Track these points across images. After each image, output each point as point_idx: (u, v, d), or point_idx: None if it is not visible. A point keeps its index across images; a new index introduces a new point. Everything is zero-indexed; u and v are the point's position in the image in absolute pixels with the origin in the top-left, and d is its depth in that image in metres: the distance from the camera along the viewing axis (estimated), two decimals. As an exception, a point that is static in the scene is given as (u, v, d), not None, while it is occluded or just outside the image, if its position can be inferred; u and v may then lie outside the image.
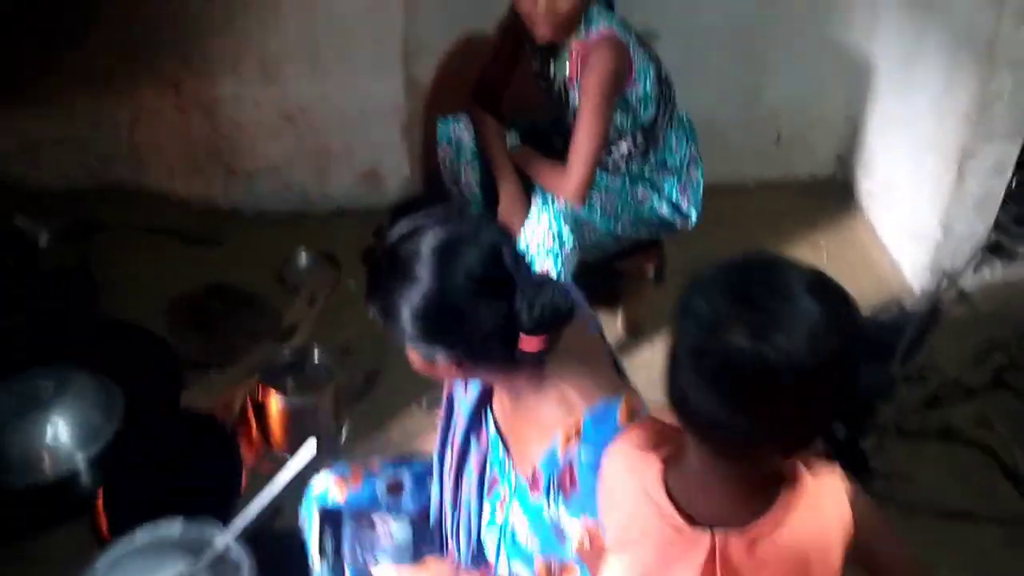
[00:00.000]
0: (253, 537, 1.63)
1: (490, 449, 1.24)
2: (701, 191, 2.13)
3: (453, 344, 1.08)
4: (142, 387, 2.02)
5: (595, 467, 1.04)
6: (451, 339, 1.08)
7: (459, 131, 2.12)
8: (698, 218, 2.13)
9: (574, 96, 1.96)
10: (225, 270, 2.42)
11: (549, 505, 1.09)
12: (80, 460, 1.86)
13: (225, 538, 1.60)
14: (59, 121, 2.46)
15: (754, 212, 2.69)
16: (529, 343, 1.07)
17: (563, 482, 1.08)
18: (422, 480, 1.45)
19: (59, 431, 1.84)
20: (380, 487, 1.43)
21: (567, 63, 1.96)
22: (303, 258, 2.47)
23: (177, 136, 2.48)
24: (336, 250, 2.49)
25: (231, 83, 2.40)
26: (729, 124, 2.59)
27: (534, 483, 1.12)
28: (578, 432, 1.08)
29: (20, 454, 1.81)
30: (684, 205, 2.10)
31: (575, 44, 1.92)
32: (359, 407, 2.08)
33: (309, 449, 1.86)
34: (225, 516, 1.70)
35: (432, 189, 2.47)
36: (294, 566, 1.54)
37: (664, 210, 2.09)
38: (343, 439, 2.03)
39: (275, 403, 1.91)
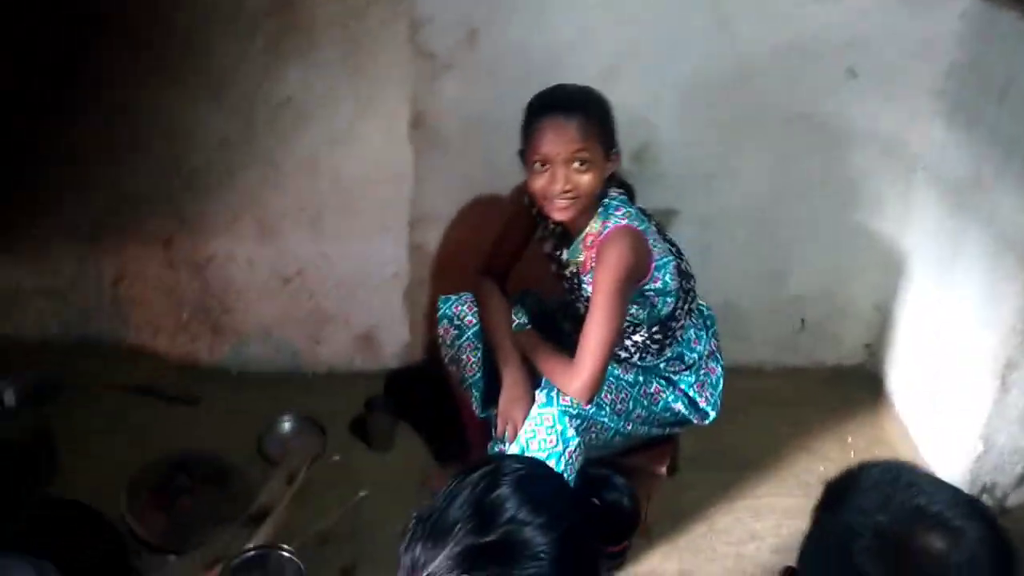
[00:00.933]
0: None
1: None
2: (720, 387, 1.96)
3: None
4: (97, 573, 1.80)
5: None
6: None
7: (462, 309, 1.98)
8: (716, 415, 1.95)
9: (587, 284, 1.82)
10: (201, 435, 2.24)
11: None
12: None
13: None
14: (38, 271, 2.34)
15: (776, 399, 2.51)
16: None
17: None
18: None
19: None
20: None
21: (581, 250, 1.82)
22: (286, 425, 2.29)
23: (163, 293, 2.35)
24: (323, 417, 2.31)
25: (226, 241, 2.29)
26: (751, 307, 2.46)
27: None
28: None
29: None
30: (701, 402, 1.92)
31: (591, 233, 1.79)
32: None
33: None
34: None
35: (432, 359, 2.31)
36: None
37: (680, 407, 1.91)
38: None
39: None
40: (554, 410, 1.77)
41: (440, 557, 0.92)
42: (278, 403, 2.32)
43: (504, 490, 0.95)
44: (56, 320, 2.39)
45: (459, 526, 0.93)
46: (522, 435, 1.79)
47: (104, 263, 2.33)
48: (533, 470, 1.01)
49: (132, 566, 1.85)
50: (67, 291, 2.36)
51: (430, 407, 2.28)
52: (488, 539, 0.92)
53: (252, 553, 1.80)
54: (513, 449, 1.79)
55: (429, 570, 0.92)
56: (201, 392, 2.35)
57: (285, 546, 1.83)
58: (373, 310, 2.41)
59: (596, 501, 1.87)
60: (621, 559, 2.00)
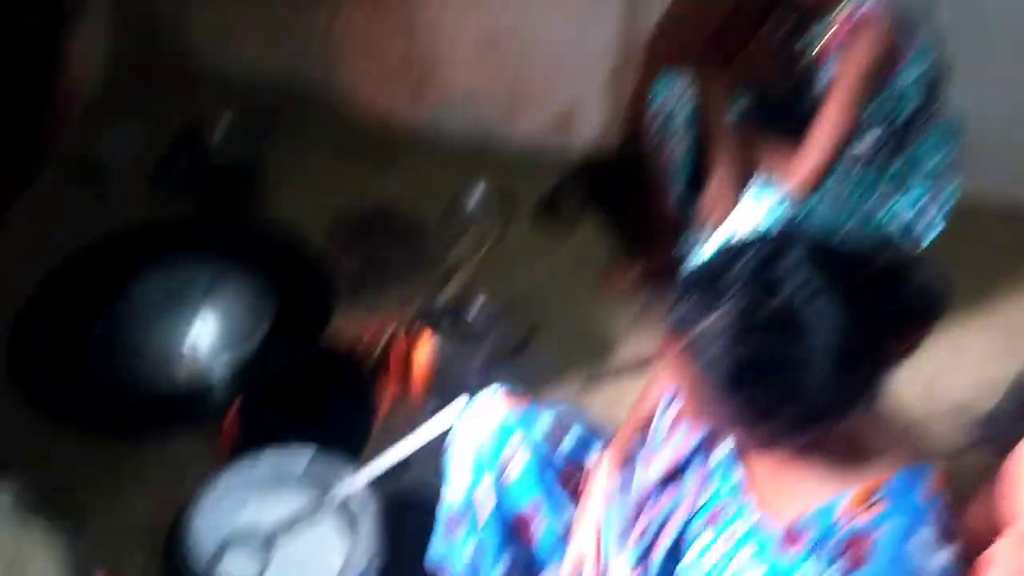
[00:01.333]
0: (379, 487, 1.53)
1: (720, 474, 1.04)
2: (951, 205, 1.82)
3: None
4: (293, 301, 1.93)
5: (902, 542, 0.86)
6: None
7: (677, 93, 1.89)
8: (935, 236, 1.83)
9: (822, 75, 1.69)
10: (393, 194, 2.29)
11: (807, 570, 0.90)
12: (219, 365, 1.78)
13: (351, 484, 1.50)
14: (256, 6, 2.35)
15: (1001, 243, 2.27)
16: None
17: (843, 551, 0.88)
18: (587, 441, 1.26)
19: (204, 332, 1.77)
20: (543, 421, 1.23)
21: (822, 37, 1.68)
22: (476, 195, 2.31)
23: (370, 47, 2.33)
24: (513, 193, 2.30)
25: (435, 2, 2.23)
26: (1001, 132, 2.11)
27: (790, 538, 0.92)
28: (870, 496, 0.88)
29: (161, 351, 1.75)
30: (929, 214, 1.80)
31: (841, 17, 1.64)
32: (510, 369, 1.89)
33: (455, 411, 1.74)
34: (351, 454, 1.61)
35: (628, 148, 2.25)
36: (417, 523, 1.41)
37: (907, 216, 1.79)
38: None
39: (424, 349, 1.77)
40: (763, 206, 1.70)
41: (713, 316, 0.84)
42: (469, 173, 2.32)
43: (796, 255, 0.84)
44: (268, 61, 2.43)
45: (739, 286, 0.84)
46: (720, 231, 1.75)
47: (319, 8, 2.32)
48: (829, 240, 0.90)
49: (334, 301, 1.98)
50: (281, 31, 2.38)
51: (622, 196, 2.25)
52: (772, 303, 0.83)
53: (446, 300, 1.87)
54: (709, 248, 1.76)
55: (698, 329, 0.85)
56: (395, 153, 2.39)
57: (477, 296, 1.88)
58: (576, 87, 2.33)
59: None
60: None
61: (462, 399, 1.74)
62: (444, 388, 1.77)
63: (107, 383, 1.71)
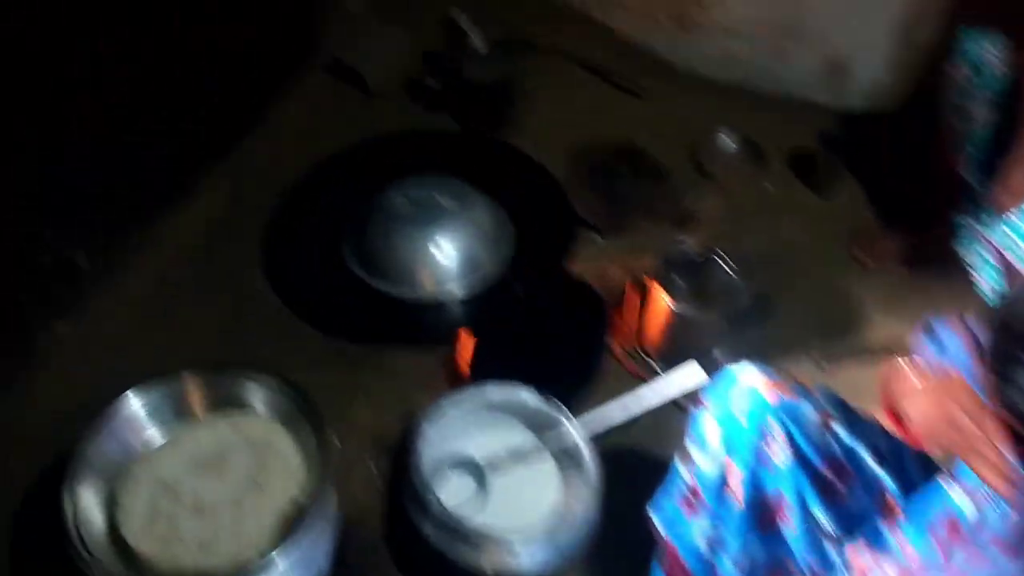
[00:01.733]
0: (600, 438, 1.49)
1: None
2: None
3: None
4: (534, 229, 1.90)
5: None
6: None
7: (989, 52, 1.64)
8: None
9: None
10: (638, 129, 2.18)
11: None
12: (456, 287, 1.78)
13: (575, 430, 1.46)
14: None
15: None
16: None
17: None
18: (851, 451, 1.13)
19: (447, 250, 1.76)
20: (811, 410, 1.13)
21: None
22: (725, 140, 2.17)
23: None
24: (767, 141, 2.15)
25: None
26: None
27: None
28: None
29: (404, 262, 1.76)
30: None
31: None
32: (743, 335, 1.76)
33: (691, 376, 1.66)
34: (574, 398, 1.58)
35: (916, 109, 2.00)
36: (638, 483, 1.35)
37: None
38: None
39: (662, 301, 1.69)
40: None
41: None
42: (722, 115, 2.19)
43: None
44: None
45: None
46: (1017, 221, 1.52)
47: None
48: None
49: (573, 235, 1.93)
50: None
51: (896, 158, 2.03)
52: None
53: (686, 252, 1.77)
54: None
55: None
56: (647, 85, 2.27)
57: (718, 251, 1.76)
58: (855, 34, 2.10)
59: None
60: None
61: (693, 364, 1.68)
62: (676, 347, 1.69)
63: (351, 288, 1.76)
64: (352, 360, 1.69)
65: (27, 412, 1.55)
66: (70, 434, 1.29)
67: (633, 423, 1.58)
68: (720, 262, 1.76)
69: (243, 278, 1.81)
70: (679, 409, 1.61)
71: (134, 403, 1.34)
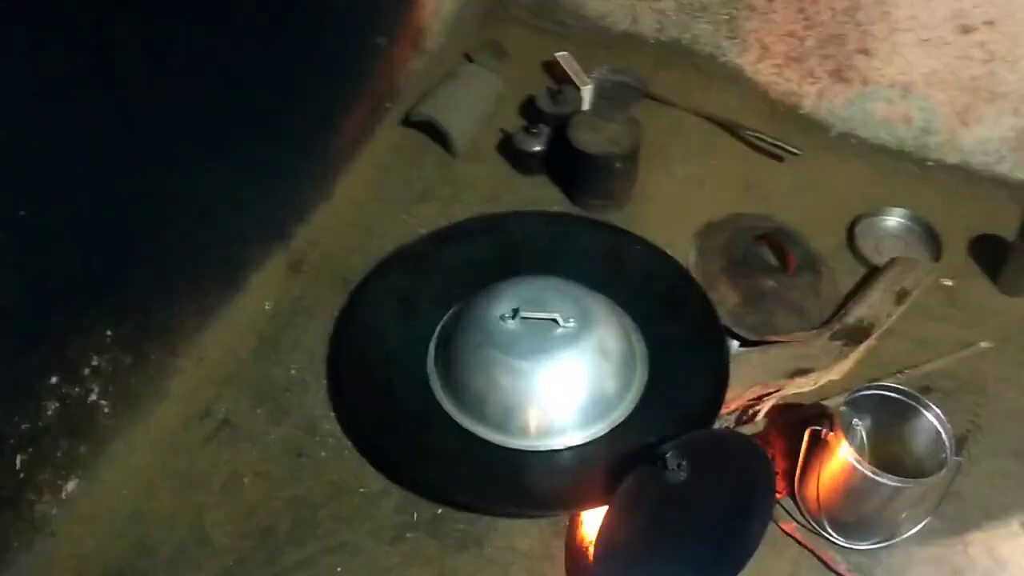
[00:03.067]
0: None
1: None
2: None
3: None
4: (667, 349, 1.47)
5: None
6: None
7: None
8: None
9: None
10: (782, 199, 1.79)
11: None
12: (579, 435, 1.33)
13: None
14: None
15: None
16: None
17: None
18: None
19: (563, 384, 1.34)
20: None
21: None
22: (891, 221, 1.76)
23: (793, 6, 1.80)
24: (939, 223, 1.74)
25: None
26: None
27: None
28: None
29: (505, 400, 1.33)
30: None
31: None
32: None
33: None
34: None
35: None
36: None
37: None
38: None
39: (834, 455, 1.28)
40: None
41: None
42: (888, 189, 1.80)
43: None
44: (650, 16, 1.98)
45: None
46: None
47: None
48: None
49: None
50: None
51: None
52: None
53: (867, 392, 1.36)
54: None
55: None
56: (791, 148, 1.83)
57: (918, 395, 1.35)
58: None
59: None
60: None
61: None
62: (851, 512, 1.29)
63: (434, 426, 1.37)
64: (439, 531, 1.32)
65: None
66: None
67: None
68: (918, 406, 1.35)
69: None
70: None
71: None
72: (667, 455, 1.14)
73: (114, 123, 1.15)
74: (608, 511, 1.12)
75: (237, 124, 1.39)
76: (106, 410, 1.26)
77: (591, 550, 1.19)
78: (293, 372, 1.48)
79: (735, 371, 1.45)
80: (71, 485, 1.24)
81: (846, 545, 1.33)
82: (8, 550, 1.16)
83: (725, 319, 1.55)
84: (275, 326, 1.53)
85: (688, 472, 1.16)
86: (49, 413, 1.17)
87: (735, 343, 1.55)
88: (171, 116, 1.24)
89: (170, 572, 1.23)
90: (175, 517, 1.29)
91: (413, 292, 1.52)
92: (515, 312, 1.35)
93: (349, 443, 1.40)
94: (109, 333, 1.23)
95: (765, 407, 1.45)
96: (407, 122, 1.83)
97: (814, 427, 1.31)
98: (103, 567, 1.21)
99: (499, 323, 1.34)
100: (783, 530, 1.35)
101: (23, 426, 1.13)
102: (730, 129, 1.89)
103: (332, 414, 1.43)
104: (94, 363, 1.21)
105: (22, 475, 1.16)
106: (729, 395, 1.41)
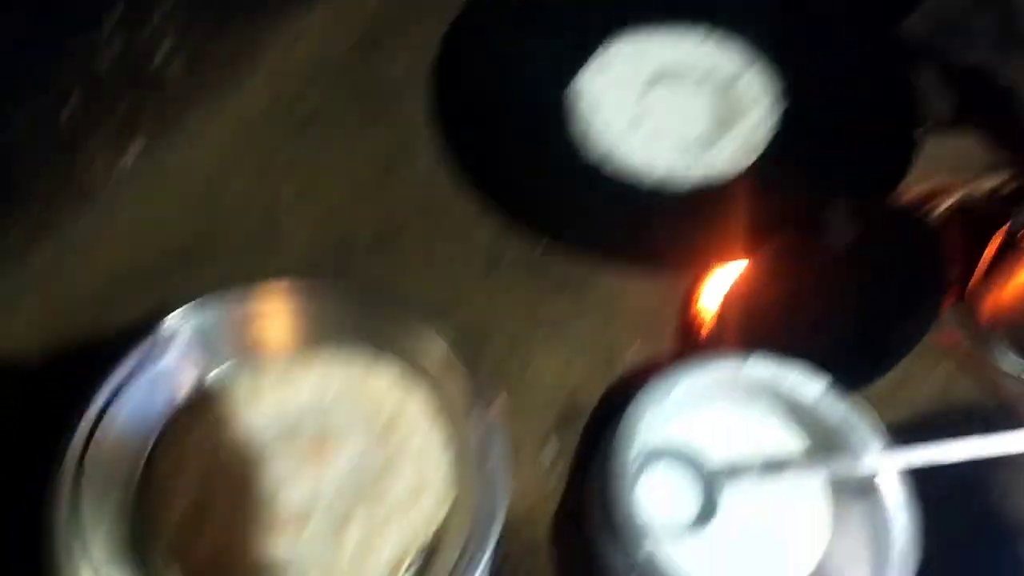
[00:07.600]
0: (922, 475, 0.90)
1: None
2: None
3: None
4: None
5: None
6: None
7: None
8: None
9: None
10: None
11: None
12: (721, 166, 1.16)
13: (881, 464, 0.88)
14: None
15: None
16: None
17: None
18: None
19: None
20: None
21: None
22: None
23: None
24: None
25: None
26: None
27: None
28: None
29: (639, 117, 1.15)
30: None
31: None
32: None
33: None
34: (882, 396, 0.99)
35: None
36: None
37: None
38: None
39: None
40: None
41: None
42: None
43: None
44: None
45: None
46: None
47: None
48: None
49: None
50: None
51: None
52: None
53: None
54: None
55: None
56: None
57: None
58: None
59: None
60: None
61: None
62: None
63: (549, 153, 1.17)
64: (535, 270, 1.14)
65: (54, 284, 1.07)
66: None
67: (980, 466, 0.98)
68: None
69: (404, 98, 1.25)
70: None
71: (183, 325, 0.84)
72: (833, 214, 0.92)
73: None
74: (748, 266, 0.92)
75: None
76: (177, 72, 1.09)
77: (716, 310, 1.00)
78: (397, 75, 1.29)
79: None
80: (132, 153, 1.10)
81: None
82: (55, 222, 1.04)
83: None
84: (381, 18, 1.33)
85: (850, 242, 0.94)
86: (107, 61, 1.00)
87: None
88: None
89: (233, 263, 1.10)
90: (247, 207, 1.16)
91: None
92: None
93: (445, 161, 1.22)
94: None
95: (948, 201, 1.19)
96: None
97: (1009, 229, 1.07)
98: (160, 248, 1.09)
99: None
100: (942, 342, 1.13)
101: (77, 73, 0.97)
102: None
103: (430, 128, 1.24)
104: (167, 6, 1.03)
105: (74, 134, 1.01)
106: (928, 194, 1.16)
